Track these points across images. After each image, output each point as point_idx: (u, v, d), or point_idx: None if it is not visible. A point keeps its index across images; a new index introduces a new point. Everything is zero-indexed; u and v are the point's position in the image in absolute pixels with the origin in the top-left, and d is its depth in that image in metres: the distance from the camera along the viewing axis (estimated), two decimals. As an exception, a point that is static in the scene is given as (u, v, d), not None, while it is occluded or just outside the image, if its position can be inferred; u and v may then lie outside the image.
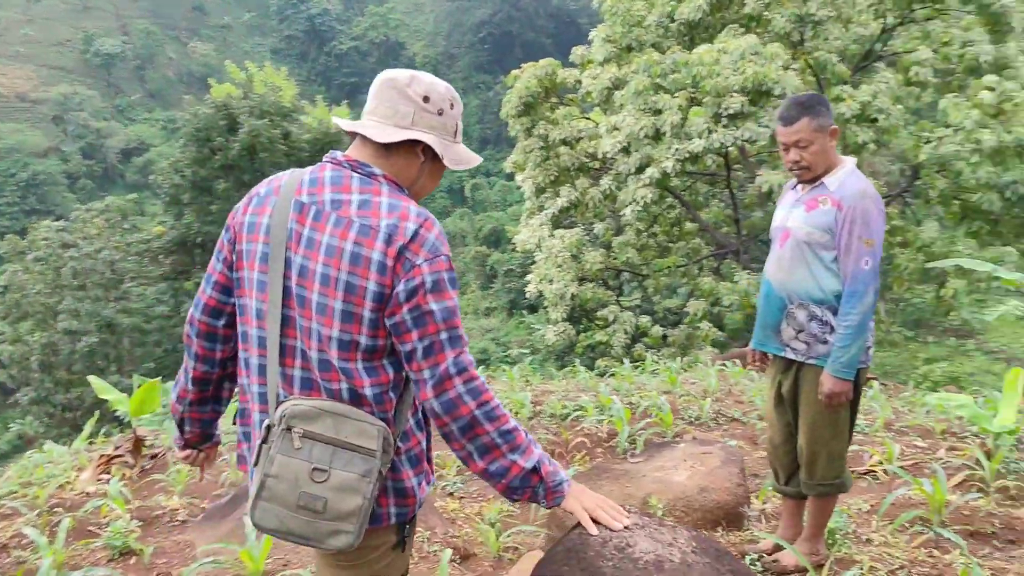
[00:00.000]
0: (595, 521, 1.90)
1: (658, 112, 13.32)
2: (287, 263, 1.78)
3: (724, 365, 8.85)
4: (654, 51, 14.44)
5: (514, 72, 16.49)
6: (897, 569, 3.18)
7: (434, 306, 1.72)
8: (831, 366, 2.91)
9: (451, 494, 4.68)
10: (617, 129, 13.73)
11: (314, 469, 1.69)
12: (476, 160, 1.96)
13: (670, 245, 17.61)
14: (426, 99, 1.85)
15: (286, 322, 1.80)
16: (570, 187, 15.37)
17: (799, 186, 3.09)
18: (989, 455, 4.53)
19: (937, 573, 3.15)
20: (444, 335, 1.73)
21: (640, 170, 13.43)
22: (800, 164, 2.95)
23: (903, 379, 16.13)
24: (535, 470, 1.80)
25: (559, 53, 18.37)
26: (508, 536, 3.83)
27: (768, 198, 13.53)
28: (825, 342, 2.97)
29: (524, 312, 36.10)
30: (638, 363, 9.58)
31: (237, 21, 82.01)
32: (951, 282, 15.00)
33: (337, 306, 1.73)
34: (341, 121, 1.92)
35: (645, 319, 15.37)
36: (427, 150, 1.89)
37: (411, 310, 1.72)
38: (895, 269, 15.14)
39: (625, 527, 1.84)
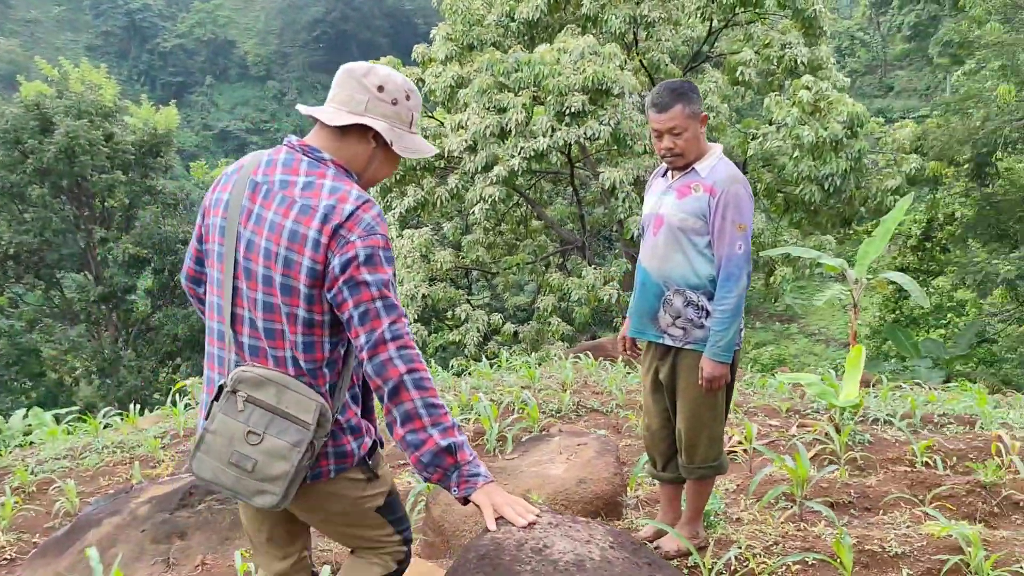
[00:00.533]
0: (498, 520, 1.86)
1: (503, 111, 13.39)
2: (238, 237, 1.91)
3: (578, 358, 8.97)
4: (495, 50, 14.53)
5: (354, 70, 16.11)
6: (771, 545, 3.27)
7: (368, 277, 1.82)
8: (710, 350, 2.93)
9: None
10: (463, 128, 13.69)
11: (249, 432, 1.83)
12: (431, 151, 2.07)
13: (517, 243, 17.79)
14: (380, 88, 1.96)
15: (236, 292, 1.94)
16: (416, 186, 15.20)
17: (669, 173, 3.11)
18: (837, 429, 4.78)
19: (808, 546, 3.25)
20: (379, 303, 1.83)
21: (487, 168, 13.45)
22: (673, 151, 2.95)
23: (738, 364, 17.00)
24: (449, 450, 1.83)
25: (396, 52, 18.14)
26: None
27: (611, 194, 13.90)
28: (702, 327, 2.99)
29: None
30: (493, 360, 9.57)
31: (46, 15, 75.95)
32: (779, 270, 15.94)
33: (278, 279, 1.87)
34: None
35: (497, 316, 15.43)
36: (379, 137, 1.99)
37: (346, 281, 1.82)
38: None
39: (531, 523, 1.77)
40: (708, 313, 2.98)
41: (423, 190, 15.04)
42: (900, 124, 17.28)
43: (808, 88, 14.07)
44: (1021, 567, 2.92)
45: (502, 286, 18.21)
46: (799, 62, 14.67)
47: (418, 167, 15.34)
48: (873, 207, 15.36)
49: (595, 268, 14.29)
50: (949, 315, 19.68)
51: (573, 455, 3.71)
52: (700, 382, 2.97)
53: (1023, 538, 3.25)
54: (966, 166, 16.14)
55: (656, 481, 3.46)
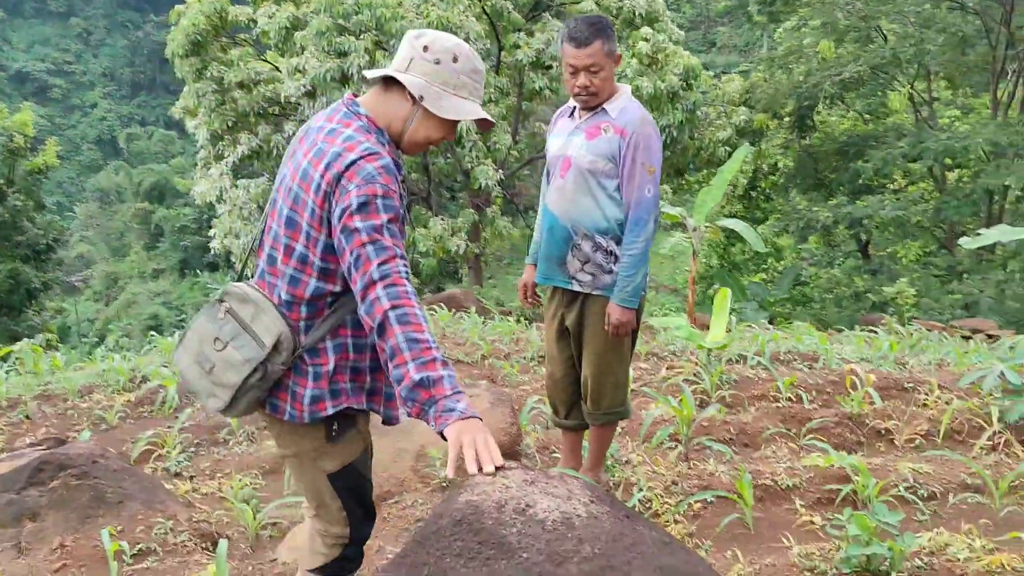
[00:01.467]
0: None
1: (343, 55, 12.85)
2: (281, 173, 2.09)
3: (432, 310, 8.87)
4: (334, -10, 13.87)
5: (178, 8, 14.97)
6: (670, 485, 3.32)
7: (359, 224, 1.86)
8: (617, 296, 2.89)
9: (178, 474, 4.16)
10: (300, 72, 13.05)
11: (216, 339, 2.00)
12: (476, 115, 2.04)
13: (359, 193, 17.29)
14: (425, 48, 2.00)
15: (265, 223, 2.12)
16: (250, 134, 14.39)
17: (576, 113, 3.01)
18: (706, 370, 4.94)
19: (705, 484, 3.33)
20: (369, 247, 1.85)
21: (328, 115, 12.91)
22: (589, 90, 2.84)
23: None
24: (423, 384, 1.78)
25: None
26: (265, 512, 3.44)
27: (456, 143, 13.72)
28: (610, 272, 2.94)
29: (199, 272, 33.70)
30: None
31: None
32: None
33: (287, 212, 2.01)
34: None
35: (340, 269, 15.00)
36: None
37: (342, 230, 1.88)
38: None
39: (484, 472, 1.65)
40: (617, 258, 2.93)
41: (257, 137, 14.28)
42: (728, 78, 18.06)
43: (646, 40, 14.35)
44: (901, 491, 3.11)
45: (344, 238, 17.68)
46: (637, 14, 14.92)
47: (252, 113, 14.52)
48: (705, 157, 16.02)
49: (442, 219, 14.13)
50: (769, 260, 20.99)
51: (466, 407, 3.60)
52: (607, 328, 2.93)
53: (893, 465, 3.47)
54: (787, 119, 17.10)
55: (556, 428, 3.42)
